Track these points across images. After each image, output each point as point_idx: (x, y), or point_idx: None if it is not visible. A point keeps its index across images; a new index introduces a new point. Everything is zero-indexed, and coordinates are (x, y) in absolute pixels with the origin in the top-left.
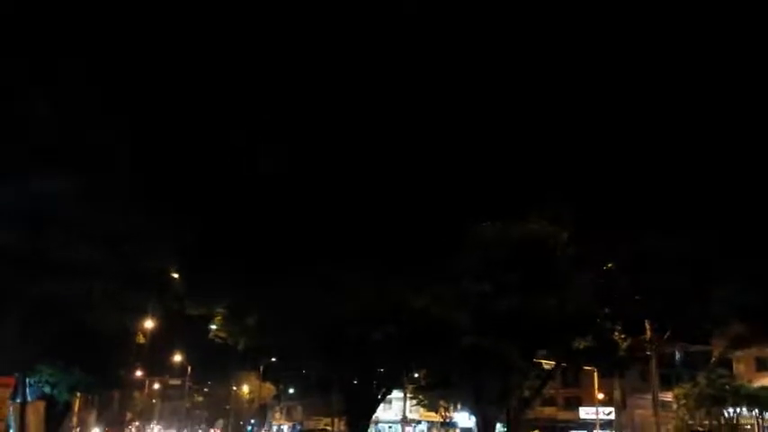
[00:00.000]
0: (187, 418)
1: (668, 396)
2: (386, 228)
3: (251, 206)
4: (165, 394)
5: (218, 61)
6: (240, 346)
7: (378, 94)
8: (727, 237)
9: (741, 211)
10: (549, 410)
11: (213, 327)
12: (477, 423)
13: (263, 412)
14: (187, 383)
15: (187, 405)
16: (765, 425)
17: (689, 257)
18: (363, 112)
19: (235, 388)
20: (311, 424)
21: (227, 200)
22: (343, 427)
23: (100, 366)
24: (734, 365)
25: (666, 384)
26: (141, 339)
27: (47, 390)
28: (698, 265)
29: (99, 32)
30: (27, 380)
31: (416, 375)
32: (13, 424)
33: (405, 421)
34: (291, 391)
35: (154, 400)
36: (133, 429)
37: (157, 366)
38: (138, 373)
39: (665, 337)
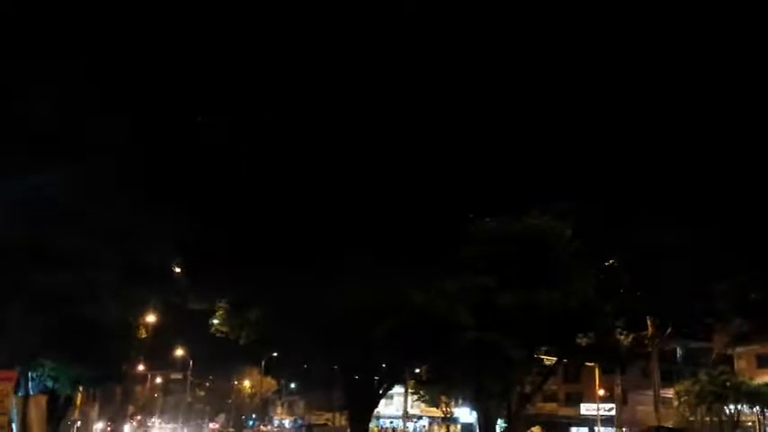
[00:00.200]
0: (189, 413)
1: (669, 392)
2: (388, 223)
3: (253, 201)
4: (166, 388)
5: (221, 58)
6: (242, 341)
7: (381, 90)
8: (728, 233)
9: (743, 208)
10: (550, 406)
11: (215, 321)
12: (479, 418)
13: (264, 407)
14: (189, 378)
15: (189, 399)
16: (766, 422)
17: (691, 254)
18: (366, 108)
19: (236, 383)
20: (314, 419)
21: (230, 194)
22: (344, 422)
23: (102, 360)
24: (735, 362)
25: (667, 381)
26: (143, 334)
27: (49, 384)
28: (700, 261)
29: (100, 30)
30: (29, 373)
31: (418, 371)
32: (15, 418)
33: (406, 416)
34: (293, 385)
35: (156, 395)
36: (134, 423)
37: (159, 361)
38: (141, 368)
39: (667, 333)
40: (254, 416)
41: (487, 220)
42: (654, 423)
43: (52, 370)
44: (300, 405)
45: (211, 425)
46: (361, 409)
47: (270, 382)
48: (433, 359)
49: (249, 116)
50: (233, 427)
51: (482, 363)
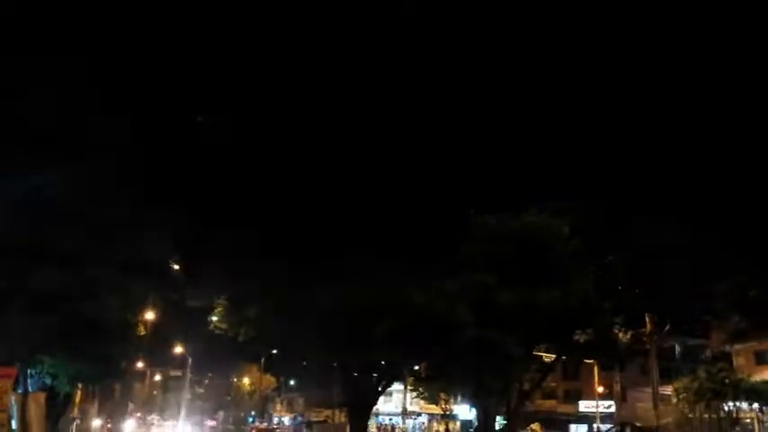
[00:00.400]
0: (188, 410)
1: (668, 389)
2: (388, 221)
3: (253, 199)
4: (165, 386)
5: (222, 58)
6: (241, 338)
7: (381, 90)
8: (727, 230)
9: (741, 206)
10: (549, 403)
11: (214, 318)
12: (478, 415)
13: (263, 404)
14: (188, 375)
15: (188, 396)
16: (765, 419)
17: (690, 252)
18: (366, 107)
19: (235, 380)
20: (313, 416)
21: (229, 193)
22: (343, 419)
23: (101, 357)
24: (733, 359)
25: (666, 378)
26: (142, 331)
27: (48, 381)
28: (698, 259)
29: (99, 30)
30: (28, 371)
31: (417, 368)
32: (15, 414)
33: (405, 413)
34: (292, 383)
35: (155, 392)
36: (133, 421)
37: (158, 358)
38: (140, 365)
39: (665, 330)
40: (253, 413)
41: (487, 217)
42: (653, 420)
43: (51, 367)
44: (300, 402)
45: (209, 422)
46: (361, 407)
47: (269, 380)
48: (433, 357)
49: (249, 115)
50: (233, 425)
51: (481, 360)
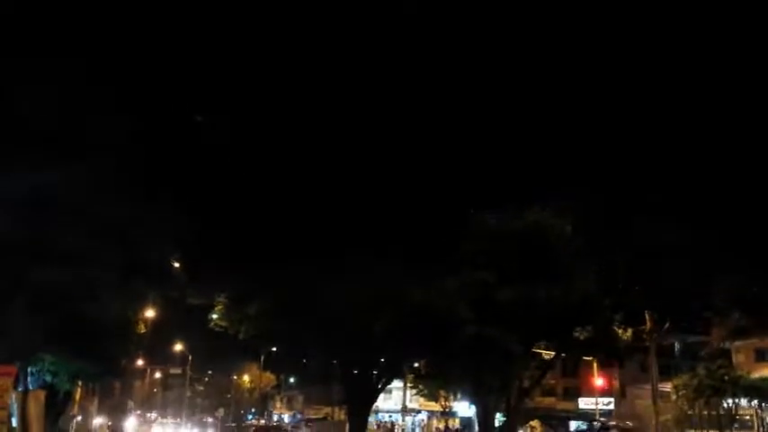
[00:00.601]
0: (189, 407)
1: (667, 386)
2: (388, 219)
3: (253, 197)
4: (166, 383)
5: (222, 56)
6: (241, 336)
7: (380, 88)
8: (727, 228)
9: (741, 203)
10: (548, 400)
11: (214, 316)
12: (477, 412)
13: (263, 402)
14: (188, 373)
15: (188, 394)
16: (764, 415)
17: (690, 250)
18: (366, 104)
19: (235, 377)
20: (313, 413)
21: (229, 191)
22: (343, 417)
23: (101, 355)
24: (733, 356)
25: (666, 375)
26: (142, 329)
27: (48, 378)
28: (698, 256)
29: (99, 29)
30: (28, 368)
31: (416, 365)
32: (15, 412)
33: (405, 410)
34: (292, 380)
35: (155, 390)
36: (134, 419)
37: (158, 356)
38: (140, 363)
39: (665, 327)
40: (253, 410)
41: (487, 215)
42: (652, 417)
43: (51, 365)
44: (299, 400)
45: (205, 418)
46: (360, 404)
47: (269, 377)
48: (433, 354)
49: (249, 113)
50: (233, 422)
51: (481, 357)
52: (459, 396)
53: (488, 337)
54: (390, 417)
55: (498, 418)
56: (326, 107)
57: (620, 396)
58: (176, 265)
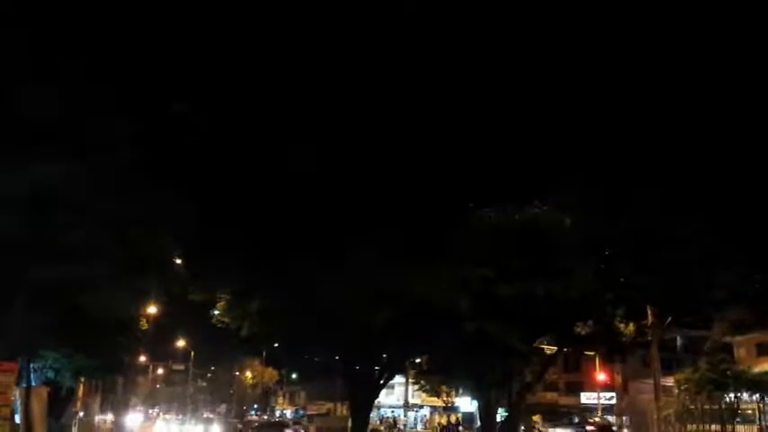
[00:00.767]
0: (191, 403)
1: (669, 381)
2: (389, 214)
3: (253, 192)
4: (168, 379)
5: (222, 53)
6: (243, 332)
7: (380, 84)
8: (729, 221)
9: (744, 196)
10: (550, 395)
11: (216, 312)
12: (479, 408)
13: (265, 397)
14: (190, 369)
15: (190, 390)
16: (766, 409)
17: (691, 242)
18: (366, 100)
19: (238, 373)
20: (315, 409)
21: (231, 186)
22: (345, 412)
23: (104, 351)
24: (735, 351)
25: (668, 369)
26: (145, 325)
27: (51, 375)
28: (700, 249)
29: (99, 28)
30: (31, 365)
31: (418, 360)
32: (18, 409)
33: (407, 406)
34: (294, 376)
35: (158, 385)
36: (141, 414)
37: (161, 352)
38: (142, 359)
39: (667, 322)
40: (255, 406)
41: (487, 210)
42: (654, 412)
43: (54, 361)
44: (302, 395)
45: (206, 414)
46: (362, 400)
47: (271, 373)
48: (434, 350)
49: (252, 110)
50: (235, 418)
51: (482, 353)
52: (461, 391)
53: (489, 332)
54: (393, 412)
55: (500, 413)
56: (329, 104)
57: (623, 391)
58: (178, 261)
